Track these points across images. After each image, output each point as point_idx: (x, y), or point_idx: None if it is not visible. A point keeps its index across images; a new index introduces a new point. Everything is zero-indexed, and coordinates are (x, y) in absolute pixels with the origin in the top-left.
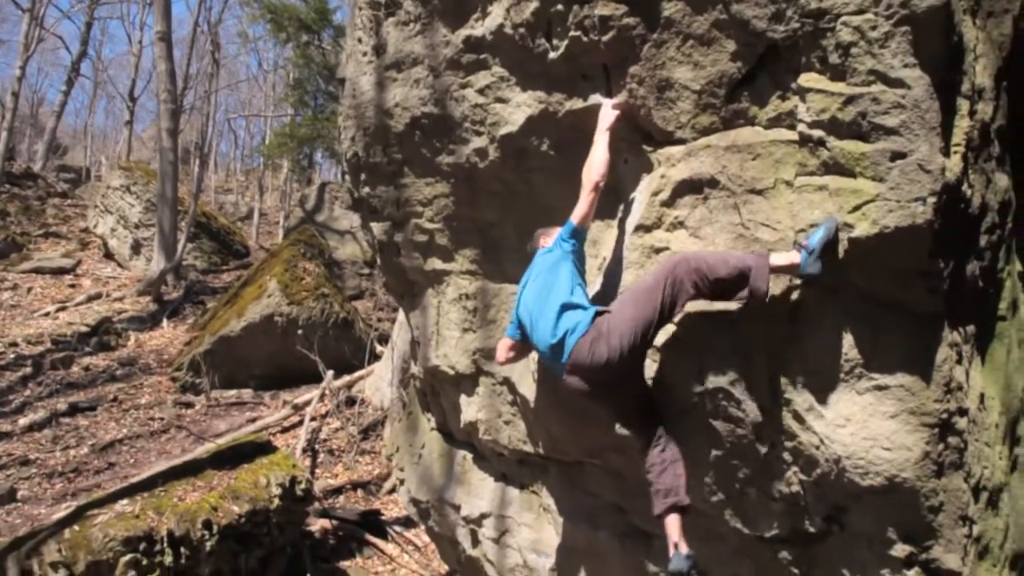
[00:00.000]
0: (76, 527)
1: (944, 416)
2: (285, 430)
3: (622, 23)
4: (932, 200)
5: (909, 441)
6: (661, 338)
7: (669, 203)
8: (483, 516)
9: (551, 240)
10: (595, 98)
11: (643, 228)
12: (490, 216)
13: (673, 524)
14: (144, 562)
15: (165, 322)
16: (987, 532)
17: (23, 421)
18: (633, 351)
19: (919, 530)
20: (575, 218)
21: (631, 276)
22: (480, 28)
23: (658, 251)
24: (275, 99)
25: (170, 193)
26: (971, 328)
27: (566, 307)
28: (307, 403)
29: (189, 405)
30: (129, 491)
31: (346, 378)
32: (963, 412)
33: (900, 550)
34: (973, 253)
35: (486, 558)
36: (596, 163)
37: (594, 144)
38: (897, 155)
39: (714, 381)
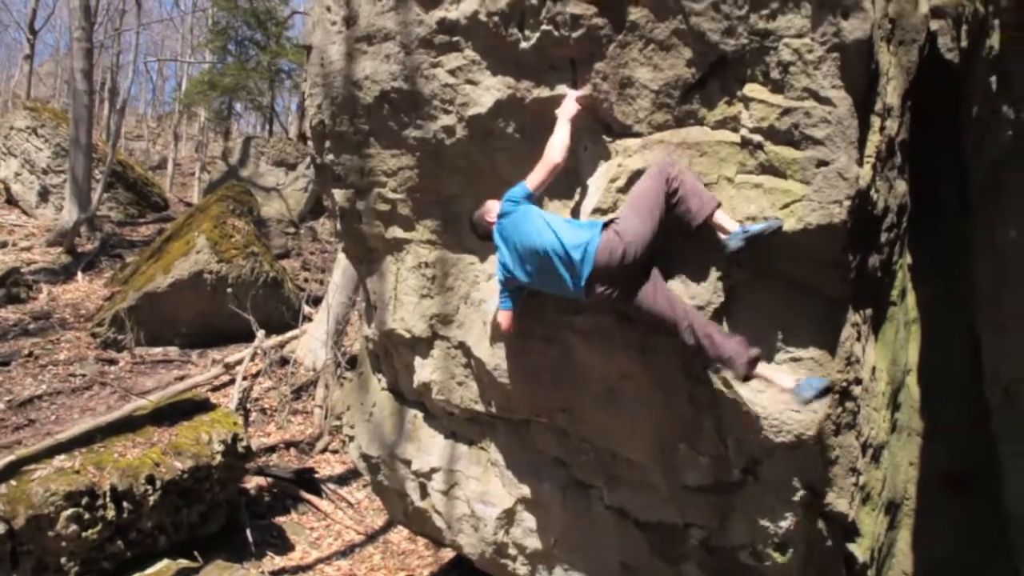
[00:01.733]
0: (13, 482)
1: (844, 384)
2: (215, 388)
3: (591, 23)
4: (847, 203)
5: (815, 405)
6: (611, 315)
7: (624, 190)
8: (433, 470)
9: (498, 207)
10: (561, 88)
11: (599, 211)
12: (453, 189)
13: (766, 372)
14: (86, 516)
15: (80, 275)
16: (870, 482)
17: None
18: (647, 248)
19: (817, 479)
20: (531, 184)
21: None
22: (455, 12)
23: None
24: (194, 43)
25: (84, 139)
26: (868, 311)
27: (570, 232)
28: (239, 362)
29: (112, 362)
30: (66, 446)
31: (278, 338)
32: (859, 382)
33: (801, 496)
34: (875, 248)
35: (434, 509)
36: (558, 147)
37: (556, 129)
38: (822, 163)
39: (655, 351)
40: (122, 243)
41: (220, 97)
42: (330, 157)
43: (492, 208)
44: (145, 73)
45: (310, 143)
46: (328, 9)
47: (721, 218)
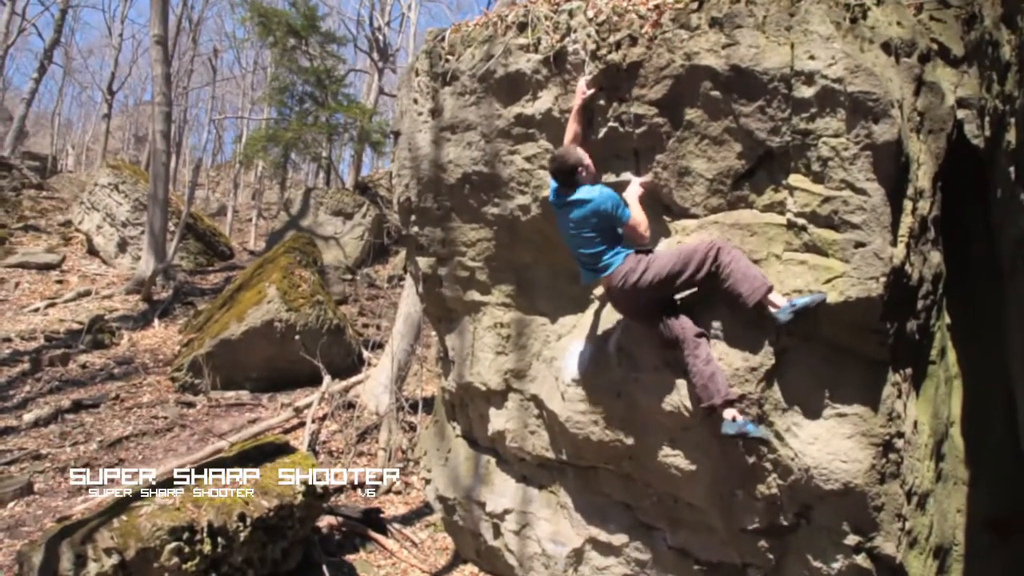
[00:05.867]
0: (124, 517)
1: (887, 438)
2: (286, 431)
3: (652, 121)
4: (883, 279)
5: (860, 456)
6: (674, 369)
7: None
8: (506, 512)
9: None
10: (626, 175)
11: None
12: (526, 259)
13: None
14: (186, 550)
15: (156, 322)
16: (916, 527)
17: (28, 417)
18: (660, 287)
19: (866, 524)
20: (631, 221)
21: None
22: (531, 108)
23: None
24: (254, 99)
25: (161, 194)
26: (909, 370)
27: (611, 244)
28: (308, 406)
29: (190, 405)
30: (165, 485)
31: (343, 383)
32: (901, 435)
33: (851, 539)
34: (912, 314)
35: (507, 548)
36: (645, 225)
37: (635, 213)
38: (859, 244)
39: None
40: (193, 291)
41: (283, 151)
42: (415, 229)
43: (589, 163)
44: (213, 126)
45: (395, 215)
46: (415, 101)
47: (772, 296)
